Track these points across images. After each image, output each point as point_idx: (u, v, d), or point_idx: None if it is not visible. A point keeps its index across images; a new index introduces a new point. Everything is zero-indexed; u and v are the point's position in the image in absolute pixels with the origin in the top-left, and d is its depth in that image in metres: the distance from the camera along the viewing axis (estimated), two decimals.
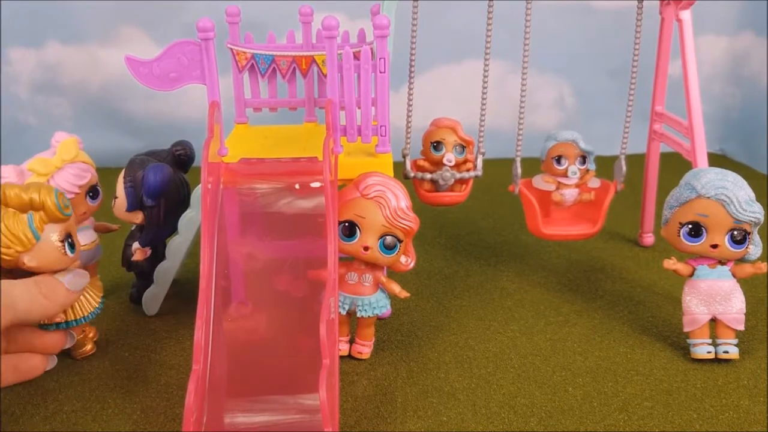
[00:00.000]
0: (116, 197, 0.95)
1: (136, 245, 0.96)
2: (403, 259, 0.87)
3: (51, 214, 0.74)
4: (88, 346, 0.89)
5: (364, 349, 0.89)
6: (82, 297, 0.82)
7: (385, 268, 0.88)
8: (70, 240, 0.76)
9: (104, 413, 0.78)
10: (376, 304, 0.87)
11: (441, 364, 0.87)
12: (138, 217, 0.94)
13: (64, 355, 0.86)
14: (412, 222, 0.84)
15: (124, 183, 0.93)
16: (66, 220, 0.75)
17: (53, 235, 0.75)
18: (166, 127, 1.63)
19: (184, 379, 0.84)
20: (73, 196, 0.94)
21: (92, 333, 0.91)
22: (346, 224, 0.84)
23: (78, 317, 0.82)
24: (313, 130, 1.02)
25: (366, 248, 0.83)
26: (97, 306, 0.84)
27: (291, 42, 1.02)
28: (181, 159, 0.99)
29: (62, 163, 0.93)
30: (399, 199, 0.84)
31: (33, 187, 0.74)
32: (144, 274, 0.98)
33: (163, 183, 0.92)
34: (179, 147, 0.99)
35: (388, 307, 0.90)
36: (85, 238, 0.99)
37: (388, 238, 0.84)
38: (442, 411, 0.79)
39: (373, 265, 0.86)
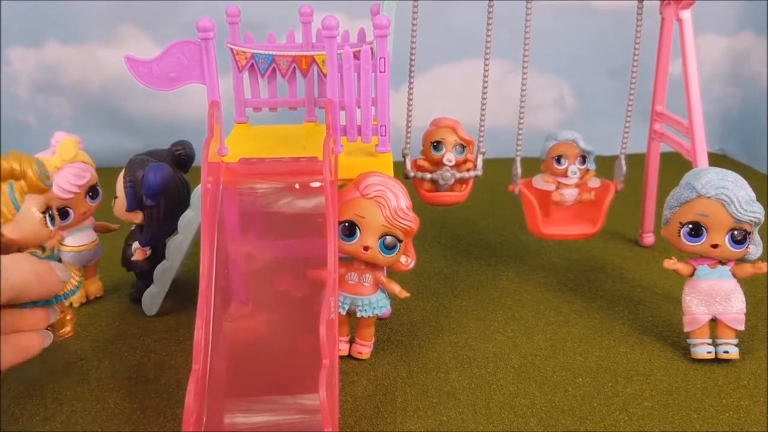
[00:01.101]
0: (116, 197, 0.95)
1: (136, 245, 0.96)
2: (403, 259, 0.86)
3: (32, 183, 0.71)
4: (68, 328, 0.82)
5: (364, 349, 0.89)
6: None
7: (385, 268, 0.88)
8: (50, 212, 0.74)
9: (104, 413, 0.78)
10: (376, 304, 0.87)
11: (441, 364, 0.87)
12: (138, 217, 0.94)
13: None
14: (412, 222, 0.84)
15: (124, 183, 0.93)
16: (47, 190, 0.73)
17: (34, 206, 0.72)
18: (166, 127, 1.63)
19: (183, 379, 0.83)
20: (72, 196, 0.94)
21: (69, 315, 0.84)
22: (346, 224, 0.83)
23: (60, 294, 0.77)
24: (313, 130, 1.02)
25: (366, 248, 0.83)
26: (76, 285, 0.80)
27: (291, 42, 1.02)
28: (181, 159, 0.99)
29: (62, 163, 0.94)
30: (399, 198, 0.84)
31: (13, 155, 0.71)
32: (144, 274, 0.97)
33: (163, 183, 0.92)
34: (179, 147, 0.99)
35: (388, 307, 0.89)
36: (85, 238, 0.99)
37: (388, 238, 0.84)
38: (442, 411, 0.78)
39: (373, 265, 0.86)
